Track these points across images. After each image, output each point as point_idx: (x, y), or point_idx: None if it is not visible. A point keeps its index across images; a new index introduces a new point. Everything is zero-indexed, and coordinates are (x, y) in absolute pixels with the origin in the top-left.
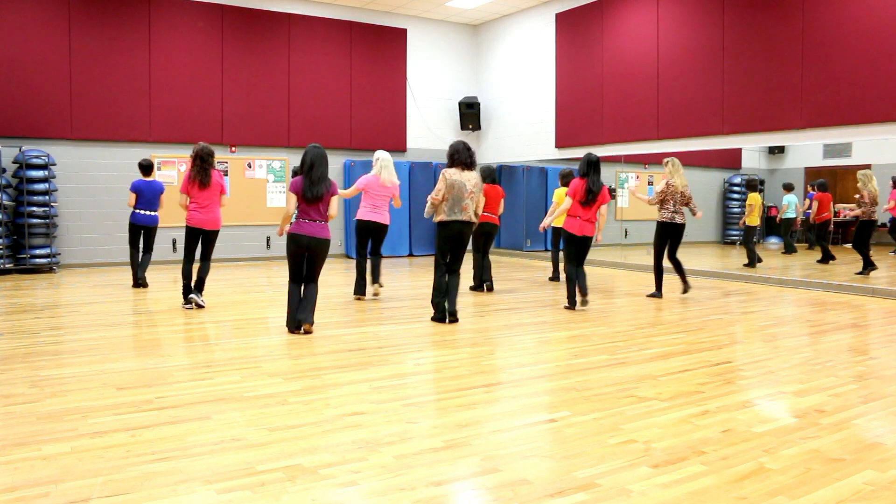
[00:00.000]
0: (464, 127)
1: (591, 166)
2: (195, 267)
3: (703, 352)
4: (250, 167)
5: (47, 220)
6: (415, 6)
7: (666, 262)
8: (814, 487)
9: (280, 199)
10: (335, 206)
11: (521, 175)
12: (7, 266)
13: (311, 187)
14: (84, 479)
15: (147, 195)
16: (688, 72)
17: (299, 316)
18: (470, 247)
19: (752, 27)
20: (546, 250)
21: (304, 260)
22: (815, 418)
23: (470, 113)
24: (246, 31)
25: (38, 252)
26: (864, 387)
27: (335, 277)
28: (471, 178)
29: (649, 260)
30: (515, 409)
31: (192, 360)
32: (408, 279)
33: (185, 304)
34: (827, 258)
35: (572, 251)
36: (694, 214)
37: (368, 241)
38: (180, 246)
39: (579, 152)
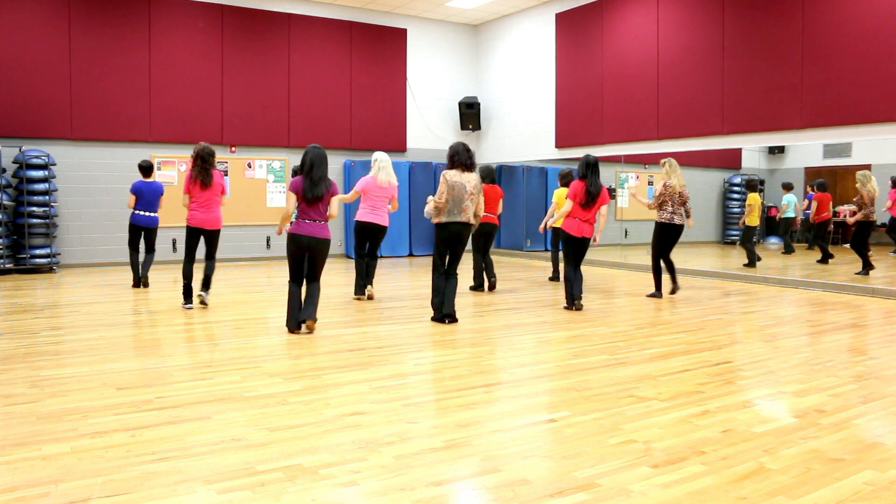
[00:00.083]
0: (464, 127)
1: (590, 168)
2: (198, 266)
3: (703, 352)
4: (250, 167)
5: (47, 220)
6: (415, 6)
7: None
8: (814, 487)
9: (280, 199)
10: (336, 206)
11: (521, 175)
12: (7, 266)
13: (311, 188)
14: (84, 479)
15: (147, 196)
16: (688, 72)
17: (302, 313)
18: (469, 247)
19: (752, 27)
20: (546, 250)
21: (305, 260)
22: (815, 418)
23: (470, 113)
24: (246, 31)
25: (38, 252)
26: (864, 387)
27: (335, 277)
28: (471, 180)
29: (649, 260)
30: (515, 409)
31: (192, 360)
32: (408, 279)
33: (186, 304)
34: (826, 258)
35: (570, 252)
36: (686, 217)
37: (367, 242)
38: (180, 246)
39: (579, 152)
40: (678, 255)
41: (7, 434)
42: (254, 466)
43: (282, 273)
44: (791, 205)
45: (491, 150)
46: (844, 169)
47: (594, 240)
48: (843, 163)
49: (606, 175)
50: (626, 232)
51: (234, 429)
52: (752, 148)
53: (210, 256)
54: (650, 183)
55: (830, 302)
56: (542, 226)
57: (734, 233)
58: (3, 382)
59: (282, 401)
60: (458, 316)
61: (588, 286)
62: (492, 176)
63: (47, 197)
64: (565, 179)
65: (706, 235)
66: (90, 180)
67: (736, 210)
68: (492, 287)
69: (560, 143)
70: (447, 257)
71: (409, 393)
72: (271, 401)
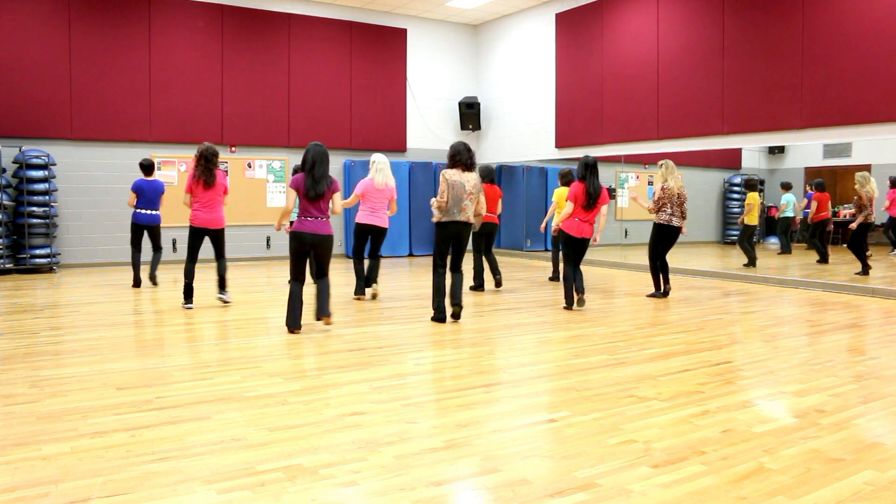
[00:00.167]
0: (464, 127)
1: (589, 169)
2: (203, 268)
3: (703, 352)
4: (250, 167)
5: (47, 220)
6: (415, 6)
7: None
8: (814, 487)
9: (280, 199)
10: (338, 202)
11: (521, 175)
12: (7, 266)
13: (313, 185)
14: (84, 479)
15: (148, 195)
16: (688, 72)
17: (317, 312)
18: (470, 247)
19: (752, 27)
20: (546, 250)
21: (308, 257)
22: (815, 418)
23: (470, 113)
24: (246, 31)
25: (38, 252)
26: (864, 387)
27: (335, 277)
28: (470, 179)
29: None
30: (515, 409)
31: (192, 360)
32: (408, 279)
33: (186, 303)
34: (825, 258)
35: (570, 252)
36: (682, 219)
37: (367, 244)
38: (180, 246)
39: (579, 152)
40: (678, 255)
41: (7, 434)
42: (254, 466)
43: (282, 273)
44: (790, 204)
45: (491, 150)
46: (844, 169)
47: (594, 240)
48: (842, 163)
49: (606, 175)
50: (626, 232)
51: (234, 429)
52: (751, 148)
53: (220, 256)
54: (650, 183)
55: (830, 302)
56: (543, 224)
57: (734, 233)
58: (3, 382)
59: (282, 401)
60: (462, 304)
61: (588, 286)
62: (490, 176)
63: (47, 197)
64: (566, 179)
65: (706, 235)
66: (90, 180)
67: (736, 210)
68: (498, 284)
69: (560, 143)
70: (448, 256)
71: (409, 393)
72: (271, 401)
